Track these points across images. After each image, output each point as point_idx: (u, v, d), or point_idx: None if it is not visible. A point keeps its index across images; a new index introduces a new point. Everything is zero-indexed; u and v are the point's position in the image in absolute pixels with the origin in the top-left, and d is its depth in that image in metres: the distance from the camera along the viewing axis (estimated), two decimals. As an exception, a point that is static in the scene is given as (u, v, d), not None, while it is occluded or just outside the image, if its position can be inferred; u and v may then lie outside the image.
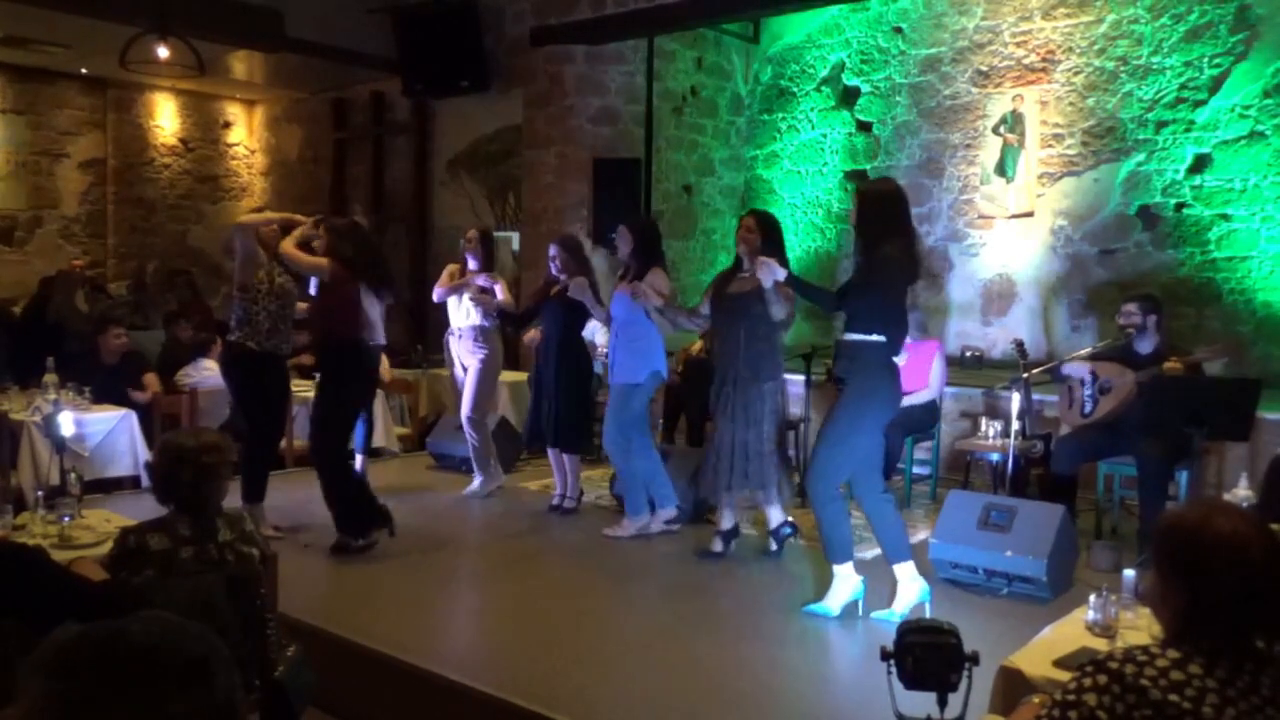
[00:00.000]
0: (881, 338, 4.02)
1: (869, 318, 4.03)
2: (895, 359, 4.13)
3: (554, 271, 5.61)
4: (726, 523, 5.06)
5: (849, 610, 4.20)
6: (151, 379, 6.76)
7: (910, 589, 4.15)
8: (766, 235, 4.75)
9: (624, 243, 5.44)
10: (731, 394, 4.80)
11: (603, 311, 5.45)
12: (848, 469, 4.11)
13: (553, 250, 5.67)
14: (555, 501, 5.90)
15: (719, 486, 4.88)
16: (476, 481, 6.24)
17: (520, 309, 6.24)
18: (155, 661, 1.01)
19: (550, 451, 5.88)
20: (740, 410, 4.78)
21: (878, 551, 5.17)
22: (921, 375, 6.15)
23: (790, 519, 5.07)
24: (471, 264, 6.15)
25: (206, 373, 6.62)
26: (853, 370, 4.06)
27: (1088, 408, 5.43)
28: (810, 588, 4.50)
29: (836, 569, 4.20)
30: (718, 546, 5.05)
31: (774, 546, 5.05)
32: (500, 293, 6.04)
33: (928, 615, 4.13)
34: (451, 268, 6.27)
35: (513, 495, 6.29)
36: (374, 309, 5.04)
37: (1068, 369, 5.53)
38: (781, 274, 4.30)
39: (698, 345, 6.95)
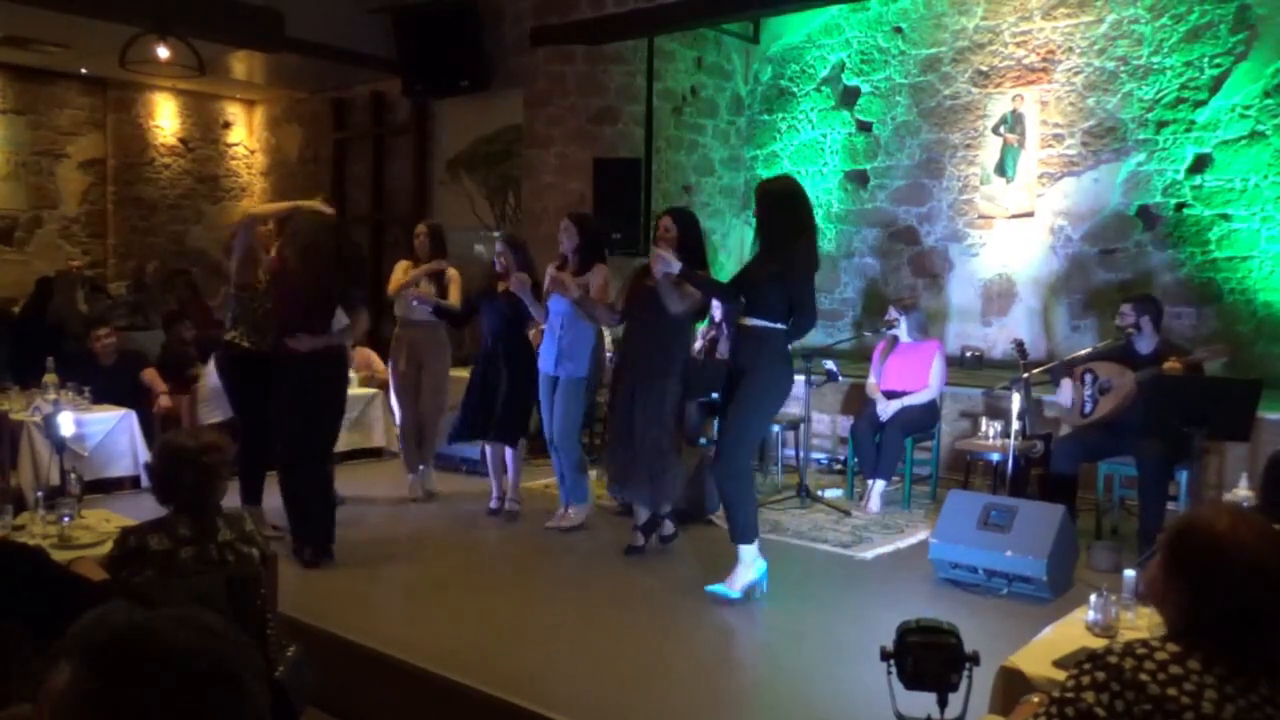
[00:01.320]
0: (783, 326, 4.22)
1: (775, 307, 4.21)
2: (789, 346, 4.35)
3: (498, 269, 5.59)
4: (643, 515, 5.10)
5: (846, 604, 4.21)
6: (151, 374, 6.75)
7: (750, 570, 4.36)
8: (684, 233, 4.79)
9: (568, 237, 5.37)
10: (638, 389, 4.83)
11: (541, 309, 5.39)
12: (751, 454, 4.51)
13: (499, 248, 5.68)
14: (495, 505, 5.80)
15: (632, 482, 4.96)
16: (415, 476, 6.19)
17: (461, 305, 6.05)
18: (191, 671, 0.97)
19: (489, 450, 5.83)
20: (652, 404, 4.81)
21: (878, 551, 5.22)
22: (921, 375, 6.16)
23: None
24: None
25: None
26: (756, 355, 4.23)
27: (1088, 408, 5.43)
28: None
29: (742, 549, 4.28)
30: (639, 540, 5.08)
31: (669, 529, 5.16)
32: (453, 292, 5.96)
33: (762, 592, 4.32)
34: (404, 263, 6.16)
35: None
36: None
37: (1062, 394, 5.55)
38: (675, 267, 4.42)
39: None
